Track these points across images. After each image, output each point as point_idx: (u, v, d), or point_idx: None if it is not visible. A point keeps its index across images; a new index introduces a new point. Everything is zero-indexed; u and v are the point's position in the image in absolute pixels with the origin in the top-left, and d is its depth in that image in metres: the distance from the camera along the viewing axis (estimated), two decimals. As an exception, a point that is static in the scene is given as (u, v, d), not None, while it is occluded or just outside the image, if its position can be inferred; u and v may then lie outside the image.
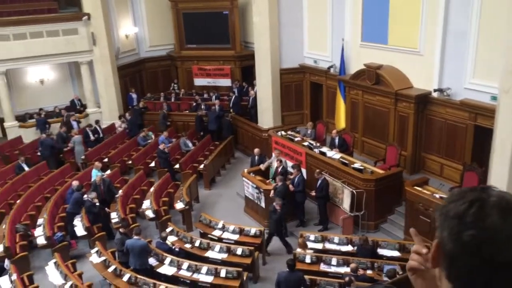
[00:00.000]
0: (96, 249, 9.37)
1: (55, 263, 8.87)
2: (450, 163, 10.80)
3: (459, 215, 0.98)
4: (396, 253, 8.79)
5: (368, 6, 12.31)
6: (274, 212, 9.81)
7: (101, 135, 15.57)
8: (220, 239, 9.94)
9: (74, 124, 15.94)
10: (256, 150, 12.75)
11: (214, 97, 17.43)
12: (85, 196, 10.84)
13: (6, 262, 9.07)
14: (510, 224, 0.96)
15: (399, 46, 11.53)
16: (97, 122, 15.94)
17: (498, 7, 9.00)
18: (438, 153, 11.06)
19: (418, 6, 10.84)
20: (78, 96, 17.69)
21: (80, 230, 10.40)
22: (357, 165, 10.76)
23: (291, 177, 11.01)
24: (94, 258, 9.15)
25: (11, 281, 8.28)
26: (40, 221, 10.69)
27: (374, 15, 12.14)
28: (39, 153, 14.59)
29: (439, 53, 10.48)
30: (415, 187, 9.57)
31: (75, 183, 11.35)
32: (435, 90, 10.70)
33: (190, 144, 14.95)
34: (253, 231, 10.02)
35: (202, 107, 16.37)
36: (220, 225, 10.32)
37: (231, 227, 10.17)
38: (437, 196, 9.11)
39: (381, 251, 8.90)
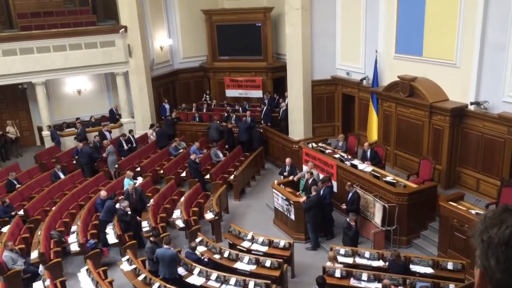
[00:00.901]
0: (127, 257, 9.49)
1: (87, 270, 9.04)
2: (487, 178, 10.44)
3: (505, 242, 0.94)
4: (429, 270, 8.51)
5: (402, 17, 12.15)
6: (348, 228, 9.56)
7: (134, 145, 15.89)
8: (249, 251, 9.90)
9: (107, 134, 16.33)
10: (287, 160, 12.71)
11: (241, 108, 17.53)
12: (117, 204, 11.04)
13: (41, 268, 9.32)
14: None
15: (435, 58, 11.30)
16: (130, 131, 16.29)
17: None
18: (475, 167, 10.72)
19: (454, 17, 10.61)
20: (117, 106, 18.12)
21: (112, 238, 10.58)
22: (389, 178, 10.54)
23: (317, 187, 10.84)
24: (125, 266, 9.27)
25: (45, 287, 8.48)
26: (73, 228, 10.95)
27: (409, 26, 11.96)
28: (74, 161, 15.02)
29: (476, 65, 10.20)
30: (450, 202, 9.27)
31: (103, 193, 11.59)
32: (471, 103, 10.40)
33: (221, 155, 15.05)
34: (282, 243, 9.93)
35: (233, 119, 16.48)
36: (249, 237, 10.28)
37: (260, 239, 10.12)
38: (473, 212, 8.80)
39: (413, 267, 8.63)
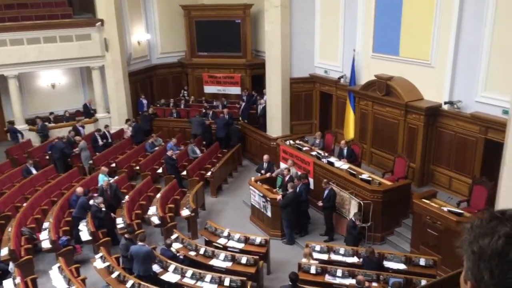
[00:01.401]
0: (100, 254, 9.34)
1: (59, 267, 8.85)
2: (459, 176, 10.66)
3: (498, 253, 0.90)
4: (402, 266, 8.64)
5: (380, 17, 12.27)
6: (353, 227, 9.46)
7: (109, 140, 15.65)
8: (225, 248, 9.87)
9: (81, 129, 16.03)
10: (265, 157, 12.72)
11: (220, 105, 17.45)
12: (91, 201, 10.85)
13: (11, 265, 9.09)
14: None
15: (411, 57, 11.46)
16: (106, 127, 16.03)
17: (510, 20, 8.91)
18: (447, 166, 10.93)
19: (430, 19, 10.77)
20: (91, 100, 17.80)
21: (85, 235, 10.40)
22: (365, 176, 10.66)
23: (294, 184, 10.86)
24: (98, 264, 9.12)
25: (15, 285, 8.27)
26: (45, 225, 10.71)
27: (386, 26, 12.09)
28: (47, 157, 14.70)
29: (451, 65, 10.40)
30: (423, 200, 9.43)
31: (79, 189, 11.39)
32: (445, 103, 10.60)
33: (198, 151, 14.95)
34: (258, 240, 9.94)
35: (209, 114, 16.36)
36: (225, 233, 10.25)
37: (237, 236, 10.11)
38: (445, 209, 8.97)
39: (387, 264, 8.76)
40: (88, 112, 17.52)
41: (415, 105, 11.08)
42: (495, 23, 9.33)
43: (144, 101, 18.07)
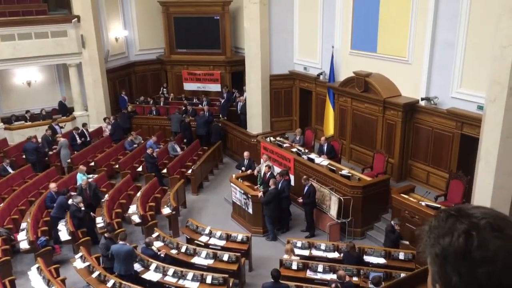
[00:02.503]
0: (80, 254, 9.23)
1: (38, 268, 8.72)
2: (436, 171, 10.88)
3: (463, 253, 0.89)
4: (382, 260, 8.80)
5: (358, 14, 12.39)
6: (392, 231, 9.13)
7: (88, 139, 15.43)
8: (206, 245, 9.87)
9: (57, 128, 15.75)
10: (246, 154, 12.76)
11: (204, 102, 17.39)
12: (70, 200, 10.70)
13: (-12, 267, 8.91)
14: (510, 241, 0.90)
15: (388, 54, 11.62)
16: (84, 125, 15.79)
17: (484, 18, 9.13)
18: (425, 161, 11.14)
19: (407, 16, 10.94)
20: (66, 98, 17.49)
21: (64, 235, 10.25)
22: (345, 172, 10.78)
23: (275, 180, 10.90)
24: (78, 264, 9.01)
25: (-8, 286, 8.13)
26: (23, 225, 10.51)
27: (364, 23, 12.22)
28: (24, 156, 14.39)
29: (427, 62, 10.59)
30: (401, 195, 9.61)
31: (52, 185, 11.24)
32: (422, 99, 10.80)
33: (178, 149, 14.87)
34: (240, 237, 9.97)
35: (189, 111, 16.27)
36: (207, 231, 10.25)
37: (218, 233, 10.11)
38: (423, 203, 9.15)
39: (367, 258, 8.91)
40: (64, 109, 17.20)
41: (393, 101, 11.25)
42: (469, 21, 9.54)
43: (125, 97, 17.89)
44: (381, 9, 11.64)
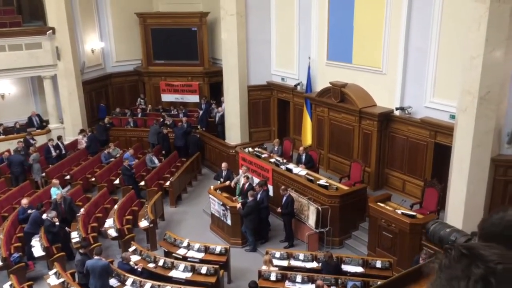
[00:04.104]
0: (54, 270, 9.02)
1: (10, 285, 8.52)
2: (411, 179, 11.05)
3: None
4: (359, 269, 8.85)
5: (333, 26, 12.58)
6: (416, 262, 8.21)
7: (63, 151, 15.16)
8: (184, 258, 9.76)
9: (31, 141, 15.41)
10: (224, 165, 12.73)
11: (181, 114, 17.32)
12: (44, 215, 10.47)
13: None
14: None
15: (363, 65, 11.81)
16: (59, 138, 15.51)
17: (455, 30, 9.38)
18: (401, 169, 11.30)
19: (380, 28, 11.16)
20: (35, 113, 17.09)
21: (38, 251, 10.00)
22: (323, 181, 10.85)
23: (254, 193, 10.90)
24: (52, 280, 8.80)
25: (-38, 306, 7.87)
26: (-4, 241, 10.23)
27: (339, 35, 12.41)
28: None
29: (401, 73, 10.80)
30: (378, 203, 9.71)
31: (24, 201, 11.01)
32: (397, 109, 10.98)
33: (156, 161, 14.74)
34: (218, 249, 9.90)
35: (167, 122, 16.18)
36: (185, 244, 10.14)
37: (196, 245, 10.02)
38: (399, 212, 9.26)
39: (345, 267, 8.94)
40: (33, 125, 16.76)
41: (368, 111, 11.41)
42: (440, 33, 9.79)
43: (105, 107, 17.80)
44: (355, 21, 11.85)
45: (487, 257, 0.91)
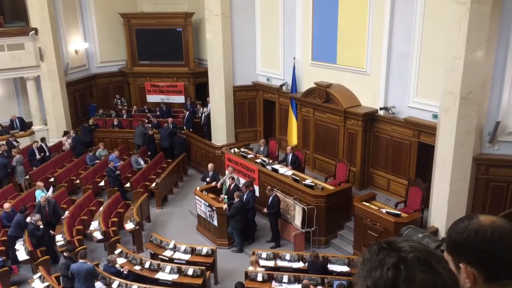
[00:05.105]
0: (39, 274, 8.93)
1: (-7, 290, 8.39)
2: (396, 179, 11.17)
3: (390, 285, 0.94)
4: (345, 268, 8.93)
5: (317, 27, 12.65)
6: None
7: (47, 153, 14.98)
8: (171, 260, 9.73)
9: (14, 144, 15.20)
10: (210, 165, 12.73)
11: (159, 111, 17.31)
12: (28, 218, 10.34)
13: None
14: (436, 275, 0.95)
15: (347, 65, 11.89)
16: (42, 140, 15.31)
17: (437, 31, 9.50)
18: (385, 168, 11.42)
19: (364, 29, 11.25)
20: (15, 116, 16.83)
21: (22, 255, 9.88)
22: (308, 181, 10.91)
23: (240, 193, 10.92)
24: (37, 284, 8.71)
25: None
26: (-22, 245, 10.09)
27: (323, 35, 12.48)
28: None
29: (385, 73, 10.91)
30: (363, 203, 9.80)
31: (6, 205, 10.89)
32: (381, 109, 11.09)
33: (142, 162, 14.65)
34: (205, 250, 9.89)
35: (149, 125, 16.09)
36: (171, 245, 10.12)
37: (183, 247, 10.00)
38: (384, 211, 9.36)
39: (331, 267, 9.01)
40: (14, 129, 16.50)
41: (353, 111, 11.50)
42: (423, 33, 9.91)
43: (95, 106, 17.85)
44: (339, 22, 11.93)
45: (401, 248, 1.00)
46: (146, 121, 16.51)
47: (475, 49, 8.07)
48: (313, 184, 10.78)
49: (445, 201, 8.69)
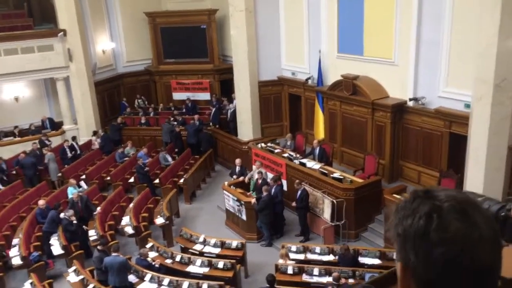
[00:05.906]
0: (73, 268, 9.15)
1: (31, 283, 8.62)
2: (427, 170, 10.95)
3: (421, 234, 0.91)
4: (377, 261, 8.82)
5: (343, 18, 12.51)
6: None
7: (78, 152, 15.32)
8: (201, 253, 9.82)
9: (46, 143, 15.58)
10: (237, 161, 12.77)
11: (185, 108, 17.49)
12: (62, 214, 10.60)
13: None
14: (473, 225, 0.91)
15: (375, 57, 11.72)
16: (73, 138, 15.68)
17: (468, 17, 9.26)
18: (415, 161, 11.22)
19: (391, 18, 11.07)
20: (46, 117, 17.17)
21: (57, 249, 10.15)
22: (337, 174, 10.82)
23: (268, 187, 10.90)
24: (72, 278, 8.92)
25: (-15, 304, 8.01)
26: (15, 241, 10.39)
27: (349, 27, 12.34)
28: (14, 172, 14.19)
29: (413, 63, 10.70)
30: (394, 195, 9.65)
31: (41, 202, 11.16)
32: (410, 99, 10.89)
33: (169, 159, 14.83)
34: (234, 244, 9.94)
35: (175, 122, 16.22)
36: (201, 239, 10.21)
37: (212, 241, 10.07)
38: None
39: (362, 260, 8.92)
40: (45, 129, 16.87)
41: (381, 103, 11.34)
42: (453, 20, 9.67)
43: (126, 104, 18.08)
44: (365, 12, 11.77)
45: (437, 196, 0.95)
46: (172, 118, 16.67)
47: (508, 36, 7.83)
48: (341, 177, 10.68)
49: (480, 191, 8.46)
